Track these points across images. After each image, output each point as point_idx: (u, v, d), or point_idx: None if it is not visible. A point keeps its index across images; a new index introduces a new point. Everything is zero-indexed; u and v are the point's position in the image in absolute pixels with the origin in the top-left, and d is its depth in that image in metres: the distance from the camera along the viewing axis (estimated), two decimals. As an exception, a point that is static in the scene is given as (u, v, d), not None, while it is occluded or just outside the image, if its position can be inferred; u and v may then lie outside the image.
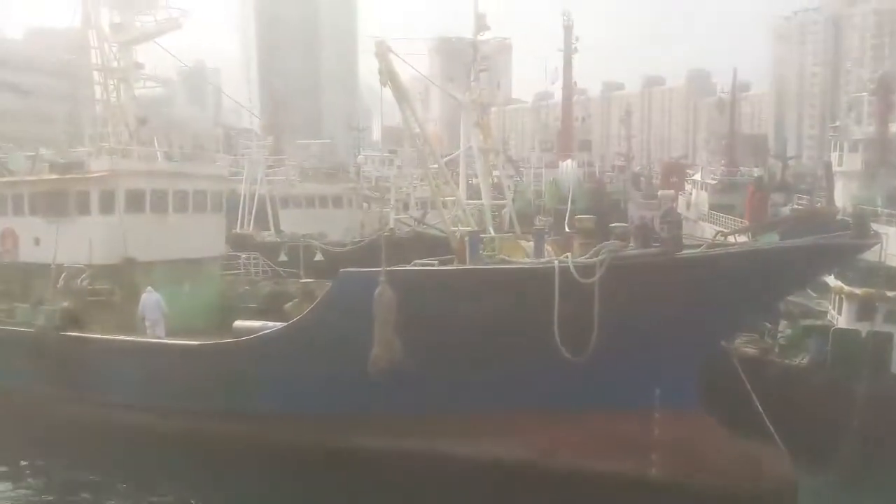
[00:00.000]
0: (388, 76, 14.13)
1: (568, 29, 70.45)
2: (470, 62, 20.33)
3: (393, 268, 12.64)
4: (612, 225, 14.29)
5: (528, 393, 12.96)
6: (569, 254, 13.06)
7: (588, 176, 58.40)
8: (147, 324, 16.61)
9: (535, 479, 12.71)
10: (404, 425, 13.27)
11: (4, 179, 20.11)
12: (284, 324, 14.52)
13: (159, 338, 16.30)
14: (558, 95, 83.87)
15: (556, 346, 12.08)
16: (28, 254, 19.05)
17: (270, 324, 15.06)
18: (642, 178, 72.32)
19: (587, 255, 12.65)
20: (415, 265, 14.00)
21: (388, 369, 12.25)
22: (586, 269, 12.21)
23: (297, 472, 13.87)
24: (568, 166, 51.20)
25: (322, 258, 24.86)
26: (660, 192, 55.87)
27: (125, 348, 15.81)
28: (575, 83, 73.65)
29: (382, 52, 14.23)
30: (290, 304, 18.00)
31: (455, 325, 12.56)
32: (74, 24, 19.55)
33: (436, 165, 16.38)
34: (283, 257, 24.84)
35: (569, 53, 70.37)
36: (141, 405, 15.49)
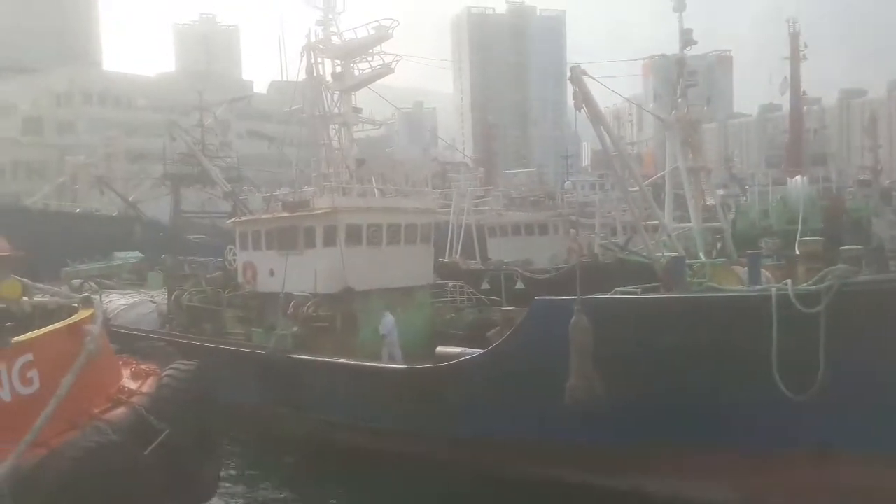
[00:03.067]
0: (583, 99, 13.92)
1: (794, 36, 64.76)
2: (676, 79, 19.40)
3: (589, 296, 12.26)
4: (843, 248, 12.66)
5: (740, 432, 11.80)
6: (789, 280, 11.77)
7: (823, 192, 52.67)
8: (387, 341, 17.90)
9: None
10: (599, 458, 12.73)
11: (246, 218, 22.66)
12: (482, 350, 14.68)
13: (394, 358, 17.34)
14: (787, 107, 77.07)
15: (774, 382, 10.94)
16: (264, 284, 20.99)
17: (469, 350, 15.33)
18: (894, 193, 63.52)
19: (811, 282, 11.34)
20: (615, 293, 13.46)
21: (586, 401, 11.83)
22: (810, 298, 10.94)
23: (490, 496, 13.75)
24: (798, 182, 46.42)
25: (523, 286, 24.91)
26: (916, 208, 48.61)
27: (342, 370, 16.89)
28: (804, 92, 67.21)
29: (576, 76, 14.07)
30: (493, 331, 18.22)
31: (657, 357, 11.83)
32: (301, 76, 21.67)
33: (636, 188, 15.73)
34: (485, 285, 25.24)
35: (796, 61, 64.52)
36: (354, 424, 16.46)
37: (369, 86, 23.15)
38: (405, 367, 15.62)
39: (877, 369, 10.89)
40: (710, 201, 21.83)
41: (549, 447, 13.36)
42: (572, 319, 11.86)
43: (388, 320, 18.21)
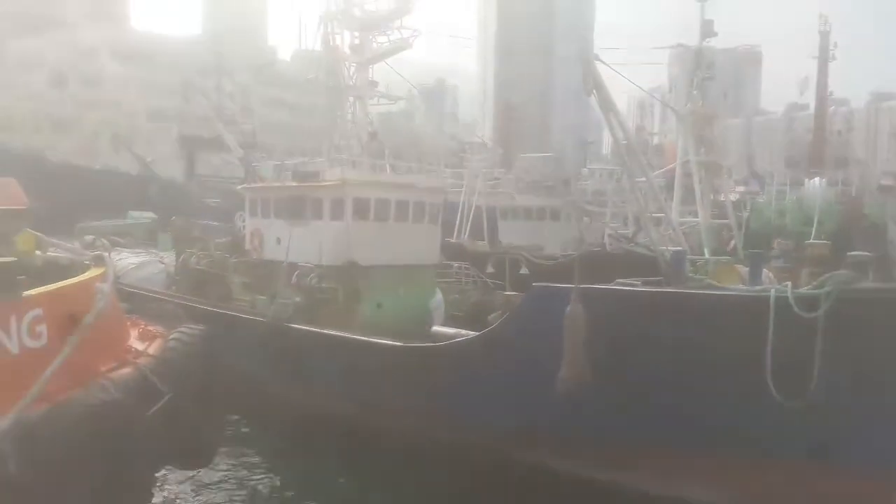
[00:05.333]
0: (594, 85, 13.67)
1: (824, 34, 63.60)
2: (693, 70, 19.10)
3: (587, 286, 12.16)
4: (851, 253, 12.49)
5: (730, 435, 11.72)
6: (789, 283, 11.62)
7: (842, 196, 52.10)
8: (434, 315, 18.58)
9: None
10: (588, 450, 12.70)
11: (255, 185, 22.68)
12: (477, 333, 14.65)
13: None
14: (813, 107, 76.02)
15: (767, 386, 10.85)
16: (270, 252, 21.07)
17: (464, 332, 15.32)
18: (916, 200, 62.69)
19: (812, 286, 11.20)
20: (615, 284, 13.34)
21: (577, 391, 11.80)
22: (809, 302, 10.81)
23: (469, 480, 13.72)
24: (816, 184, 45.84)
25: (527, 271, 24.79)
26: (936, 217, 47.83)
27: (337, 343, 16.92)
28: (831, 93, 66.20)
29: (587, 60, 13.78)
30: (493, 315, 18.21)
31: (650, 353, 11.77)
32: (317, 46, 21.60)
33: (643, 179, 15.54)
34: (489, 268, 25.16)
35: (824, 60, 63.44)
36: (348, 397, 16.53)
37: (388, 60, 23.04)
38: (398, 343, 15.61)
39: (873, 378, 10.77)
40: (721, 198, 21.59)
41: (536, 434, 13.34)
42: (568, 308, 11.79)
43: (438, 297, 19.20)
